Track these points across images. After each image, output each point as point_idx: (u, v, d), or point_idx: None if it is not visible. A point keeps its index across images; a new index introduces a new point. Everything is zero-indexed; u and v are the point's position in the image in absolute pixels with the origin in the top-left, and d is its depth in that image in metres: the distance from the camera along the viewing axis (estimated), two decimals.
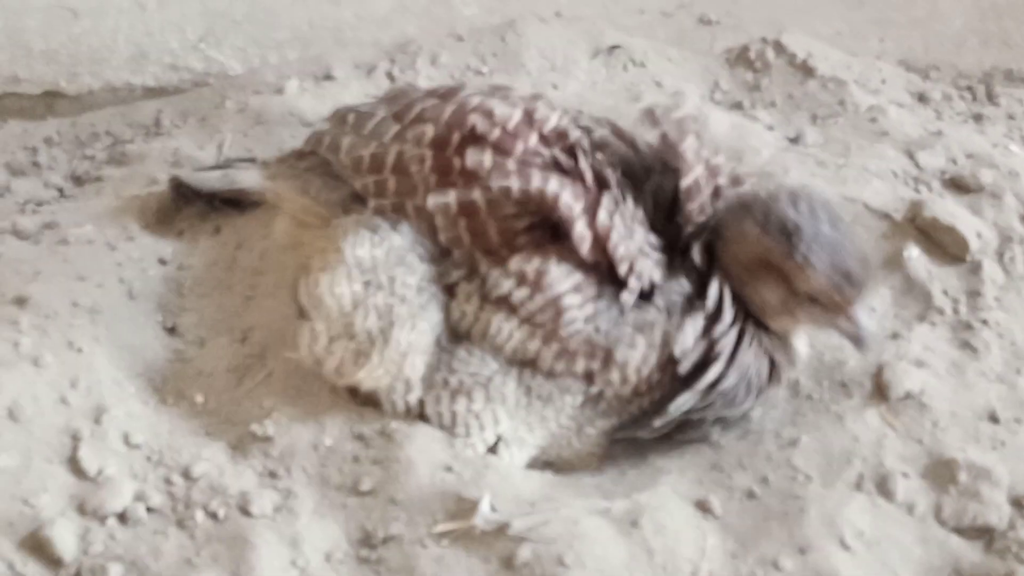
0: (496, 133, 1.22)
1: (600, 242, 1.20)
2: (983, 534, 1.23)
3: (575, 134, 1.25)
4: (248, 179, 1.46)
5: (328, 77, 1.77)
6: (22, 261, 1.42)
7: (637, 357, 1.22)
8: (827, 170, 1.64)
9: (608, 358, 1.22)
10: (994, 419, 1.33)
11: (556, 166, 1.22)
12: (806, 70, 1.90)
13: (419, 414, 1.25)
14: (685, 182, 1.24)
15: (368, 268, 1.23)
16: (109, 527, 1.16)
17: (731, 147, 1.68)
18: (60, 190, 1.63)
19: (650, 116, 1.29)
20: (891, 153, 1.70)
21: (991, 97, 1.95)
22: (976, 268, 1.52)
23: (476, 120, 1.23)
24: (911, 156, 1.71)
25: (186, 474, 1.21)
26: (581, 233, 1.19)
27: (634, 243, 1.21)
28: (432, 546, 1.16)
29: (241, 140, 1.65)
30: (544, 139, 1.23)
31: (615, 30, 1.91)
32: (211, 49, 1.76)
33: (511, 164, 1.21)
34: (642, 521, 1.19)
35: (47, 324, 1.30)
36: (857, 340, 1.25)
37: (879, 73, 1.94)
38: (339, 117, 1.35)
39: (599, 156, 1.25)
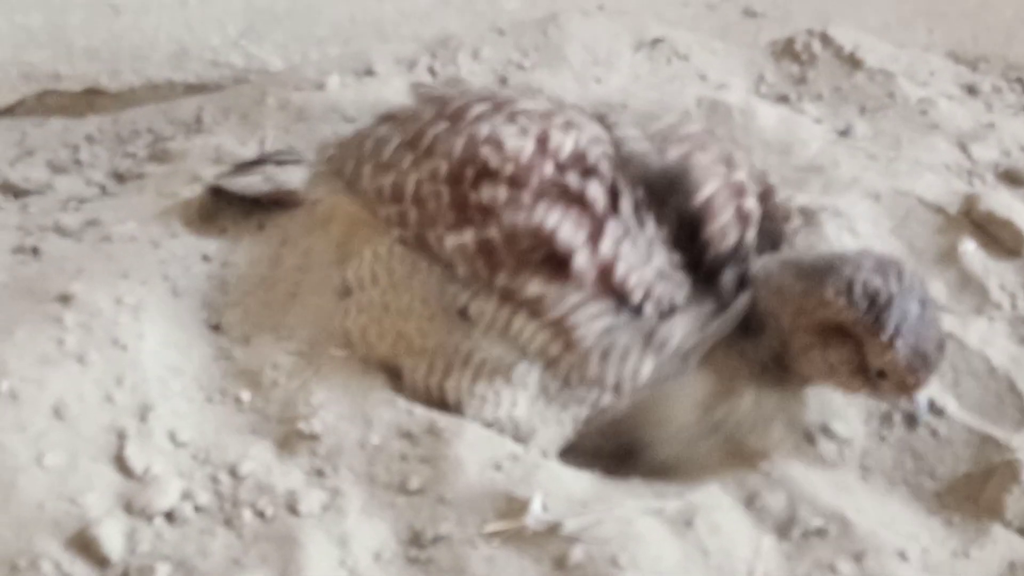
0: (509, 168, 1.19)
1: (606, 273, 1.16)
2: None
3: (596, 153, 1.21)
4: (293, 180, 1.45)
5: (369, 72, 1.75)
6: (65, 259, 1.41)
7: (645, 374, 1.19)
8: (878, 163, 1.61)
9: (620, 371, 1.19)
10: None
11: (565, 193, 1.18)
12: (853, 62, 1.86)
13: (439, 397, 1.23)
14: (697, 201, 1.20)
15: None
16: (156, 526, 1.15)
17: (779, 140, 1.66)
18: (102, 187, 1.62)
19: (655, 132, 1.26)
20: (943, 146, 1.67)
21: None
22: None
23: (488, 155, 1.20)
24: (963, 148, 1.67)
25: (233, 472, 1.19)
26: (581, 267, 1.16)
27: (651, 268, 1.17)
28: (482, 546, 1.14)
29: (283, 136, 1.64)
30: (560, 167, 1.19)
31: (658, 23, 1.89)
32: (252, 45, 1.75)
33: (527, 197, 1.18)
34: (696, 521, 1.16)
35: (92, 322, 1.29)
36: (912, 420, 1.23)
37: (927, 65, 1.91)
38: (356, 142, 1.34)
39: (617, 176, 1.20)
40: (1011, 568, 1.19)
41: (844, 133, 1.70)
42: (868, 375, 1.17)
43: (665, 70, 1.83)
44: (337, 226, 1.40)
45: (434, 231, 1.22)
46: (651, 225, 1.19)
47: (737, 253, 1.21)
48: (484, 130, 1.22)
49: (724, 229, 1.20)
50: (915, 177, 1.58)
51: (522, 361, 1.20)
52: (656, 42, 1.86)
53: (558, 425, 1.24)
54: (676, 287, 1.19)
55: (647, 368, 1.19)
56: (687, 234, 1.20)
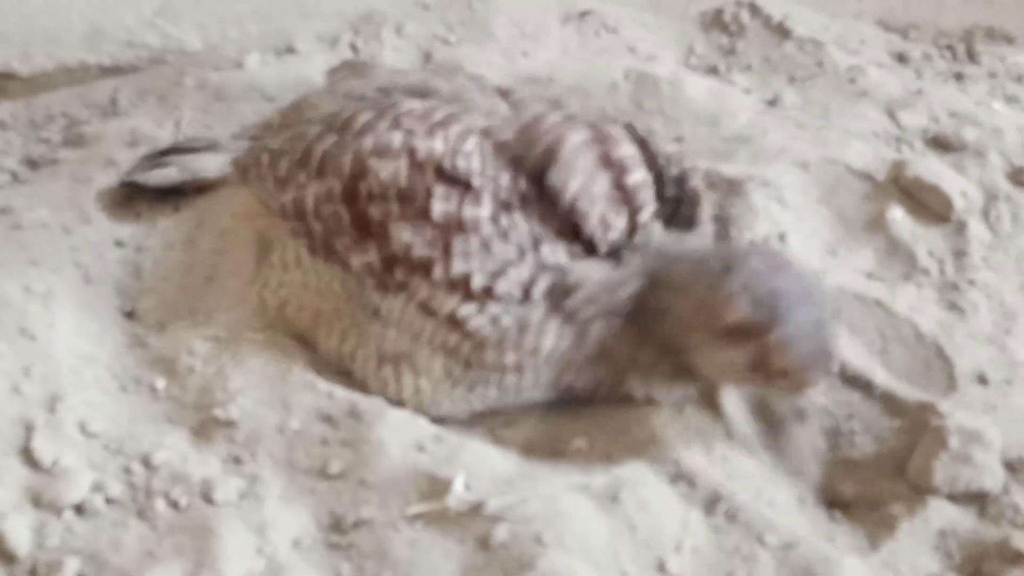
0: (394, 189, 1.19)
1: (464, 285, 1.16)
2: (976, 500, 1.20)
3: (465, 150, 1.19)
4: (209, 168, 1.42)
5: (290, 50, 1.72)
6: None
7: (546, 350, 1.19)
8: (807, 132, 1.60)
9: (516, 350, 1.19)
10: (984, 381, 1.30)
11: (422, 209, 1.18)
12: (782, 32, 1.85)
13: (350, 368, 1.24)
14: (565, 202, 1.18)
15: None
16: (66, 520, 1.11)
17: (708, 112, 1.64)
18: (14, 174, 1.57)
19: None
20: (872, 113, 1.66)
21: (972, 56, 1.91)
22: (961, 227, 1.48)
23: (373, 177, 1.20)
24: (892, 116, 1.66)
25: (146, 463, 1.16)
26: (439, 279, 1.17)
27: (525, 265, 1.17)
28: (405, 529, 1.11)
29: (201, 117, 1.59)
30: (438, 173, 1.18)
31: None
32: (169, 25, 1.69)
33: (411, 212, 1.18)
34: (623, 496, 1.15)
35: None
36: (802, 415, 1.20)
37: (858, 34, 1.90)
38: (256, 153, 1.34)
39: (489, 173, 1.19)
40: (942, 536, 1.18)
41: (772, 103, 1.69)
42: (764, 373, 1.15)
43: (594, 43, 1.80)
44: (256, 208, 1.36)
45: (341, 242, 1.23)
46: (524, 222, 1.18)
47: (634, 232, 1.19)
48: (368, 143, 1.22)
49: (604, 220, 1.19)
50: (844, 145, 1.57)
51: (425, 349, 1.20)
52: (585, 15, 1.83)
53: (466, 404, 1.22)
54: (567, 270, 1.18)
55: (547, 345, 1.18)
56: (570, 227, 1.19)
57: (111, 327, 1.30)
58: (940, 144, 1.61)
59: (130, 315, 1.33)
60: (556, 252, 1.18)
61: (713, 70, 1.79)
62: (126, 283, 1.36)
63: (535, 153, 1.20)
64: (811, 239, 1.46)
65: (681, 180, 1.25)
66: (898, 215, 1.48)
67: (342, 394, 1.22)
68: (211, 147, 1.46)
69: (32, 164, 1.59)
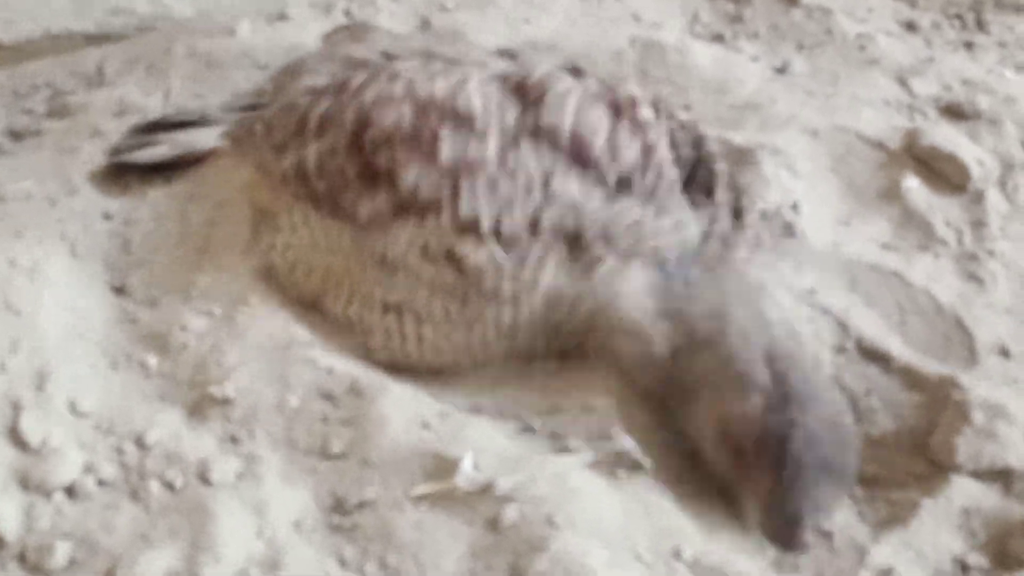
0: (398, 134, 1.17)
1: (474, 227, 1.14)
2: (1001, 476, 1.16)
3: (468, 89, 1.18)
4: (200, 142, 1.38)
5: (283, 17, 1.66)
6: None
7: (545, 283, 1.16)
8: (816, 100, 1.55)
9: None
10: (1005, 353, 1.26)
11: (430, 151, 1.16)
12: None
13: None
14: (564, 130, 1.15)
15: None
16: (56, 502, 1.06)
17: (715, 79, 1.59)
18: None
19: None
20: (882, 81, 1.62)
21: (981, 25, 1.86)
22: (978, 197, 1.44)
23: (377, 125, 1.18)
24: (903, 83, 1.62)
25: (139, 442, 1.11)
26: (446, 224, 1.14)
27: (531, 202, 1.14)
28: (410, 510, 1.07)
29: (191, 86, 1.54)
30: (442, 114, 1.17)
31: None
32: None
33: (418, 156, 1.16)
34: (635, 473, 1.10)
35: None
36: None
37: (865, 2, 1.85)
38: (249, 123, 1.31)
39: (493, 112, 1.17)
40: (966, 514, 1.14)
41: (781, 70, 1.64)
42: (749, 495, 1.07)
43: (598, 10, 1.76)
44: (250, 178, 1.31)
45: (346, 197, 1.20)
46: (532, 157, 1.15)
47: (648, 169, 1.16)
48: (370, 96, 1.20)
49: (611, 146, 1.16)
50: (854, 113, 1.53)
51: (425, 291, 1.17)
52: None
53: (466, 351, 1.19)
54: (578, 204, 1.15)
55: (546, 278, 1.15)
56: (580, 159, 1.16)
57: (100, 302, 1.25)
58: (953, 112, 1.57)
59: (120, 290, 1.28)
60: (567, 184, 1.15)
61: (719, 38, 1.74)
62: (115, 257, 1.31)
63: (531, 98, 1.18)
64: (823, 208, 1.41)
65: (698, 143, 1.22)
66: (914, 184, 1.43)
67: (343, 369, 1.17)
68: (202, 120, 1.41)
69: (15, 135, 1.53)
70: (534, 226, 1.15)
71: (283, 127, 1.25)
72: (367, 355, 1.20)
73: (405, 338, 1.19)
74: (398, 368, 1.20)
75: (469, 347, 1.19)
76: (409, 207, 1.16)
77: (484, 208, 1.14)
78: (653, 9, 1.78)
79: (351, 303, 1.21)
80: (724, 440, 1.07)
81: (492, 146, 1.15)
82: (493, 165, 1.15)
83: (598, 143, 1.16)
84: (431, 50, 1.30)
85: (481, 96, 1.18)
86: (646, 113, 1.20)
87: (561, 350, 1.19)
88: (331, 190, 1.20)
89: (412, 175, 1.15)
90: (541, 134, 1.16)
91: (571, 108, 1.17)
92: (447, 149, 1.15)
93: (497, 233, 1.14)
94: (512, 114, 1.18)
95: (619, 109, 1.19)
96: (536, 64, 1.23)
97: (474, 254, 1.15)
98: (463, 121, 1.16)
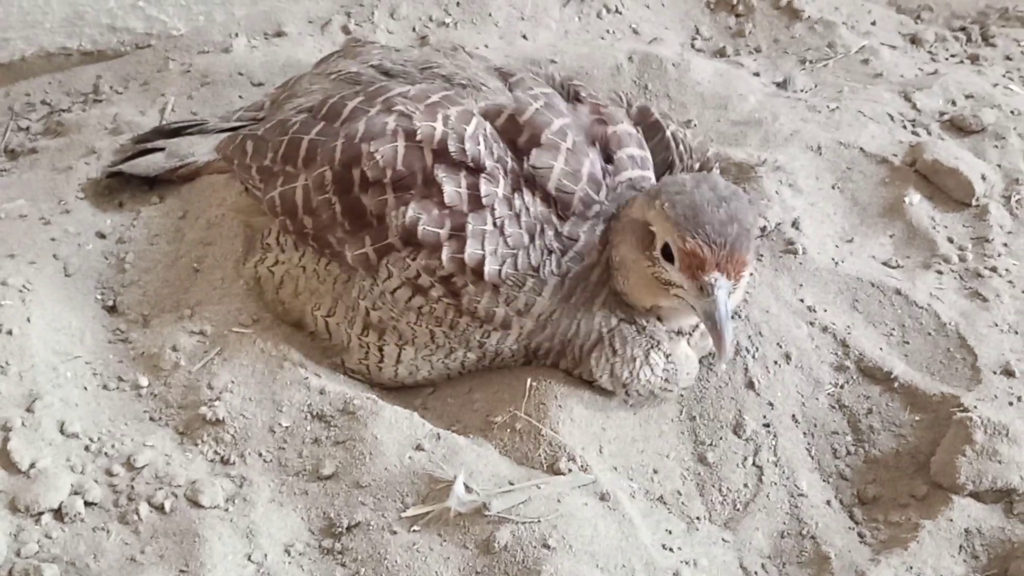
0: (389, 174, 1.15)
1: (477, 272, 1.13)
2: (1003, 497, 1.14)
3: (470, 132, 1.15)
4: (198, 152, 1.37)
5: (279, 34, 1.65)
6: None
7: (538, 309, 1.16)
8: (819, 115, 1.54)
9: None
10: (1009, 372, 1.24)
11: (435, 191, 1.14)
12: (792, 13, 1.79)
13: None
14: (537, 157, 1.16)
15: None
16: (44, 525, 1.05)
17: (715, 95, 1.58)
18: None
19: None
20: (886, 96, 1.60)
21: (986, 38, 1.85)
22: (982, 213, 1.42)
23: (367, 161, 1.15)
24: (907, 98, 1.60)
25: (129, 464, 1.10)
26: (448, 263, 1.13)
27: (535, 247, 1.14)
28: (403, 532, 1.05)
29: (186, 103, 1.53)
30: (438, 155, 1.14)
31: None
32: (152, 7, 1.62)
33: (409, 196, 1.14)
34: (629, 497, 1.09)
35: None
36: (712, 319, 1.07)
37: (869, 15, 1.84)
38: (240, 143, 1.28)
39: (493, 153, 1.15)
40: (967, 536, 1.12)
41: (782, 85, 1.62)
42: (659, 258, 1.09)
43: (596, 25, 1.74)
44: (244, 197, 1.30)
45: (334, 235, 1.18)
46: (532, 204, 1.15)
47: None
48: (359, 128, 1.17)
49: (585, 199, 1.16)
50: (858, 128, 1.51)
51: (412, 316, 1.16)
52: None
53: (443, 369, 1.19)
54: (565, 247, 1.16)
55: (542, 304, 1.15)
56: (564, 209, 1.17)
57: (92, 322, 1.24)
58: (958, 127, 1.55)
59: (112, 309, 1.27)
60: (553, 234, 1.15)
61: (720, 52, 1.73)
62: (108, 276, 1.30)
63: (524, 137, 1.17)
64: (825, 225, 1.39)
65: (704, 167, 1.23)
66: (916, 200, 1.42)
67: (335, 390, 1.16)
68: (200, 130, 1.40)
69: (10, 154, 1.53)
70: (537, 270, 1.14)
71: (273, 148, 1.23)
72: (342, 368, 1.20)
73: (384, 355, 1.18)
74: (371, 384, 1.20)
75: (446, 368, 1.19)
76: (400, 247, 1.14)
77: (491, 252, 1.13)
78: (652, 22, 1.76)
79: (331, 316, 1.20)
80: None
81: (501, 188, 1.14)
82: (503, 207, 1.13)
83: (578, 196, 1.15)
84: (430, 62, 1.28)
85: (484, 138, 1.15)
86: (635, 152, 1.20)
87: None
88: (319, 228, 1.18)
89: (406, 215, 1.13)
90: (535, 185, 1.15)
91: (560, 160, 1.16)
92: (450, 189, 1.13)
93: (500, 279, 1.13)
94: (511, 156, 1.16)
95: (607, 145, 1.19)
96: (530, 98, 1.21)
97: (473, 287, 1.14)
98: (463, 164, 1.14)
